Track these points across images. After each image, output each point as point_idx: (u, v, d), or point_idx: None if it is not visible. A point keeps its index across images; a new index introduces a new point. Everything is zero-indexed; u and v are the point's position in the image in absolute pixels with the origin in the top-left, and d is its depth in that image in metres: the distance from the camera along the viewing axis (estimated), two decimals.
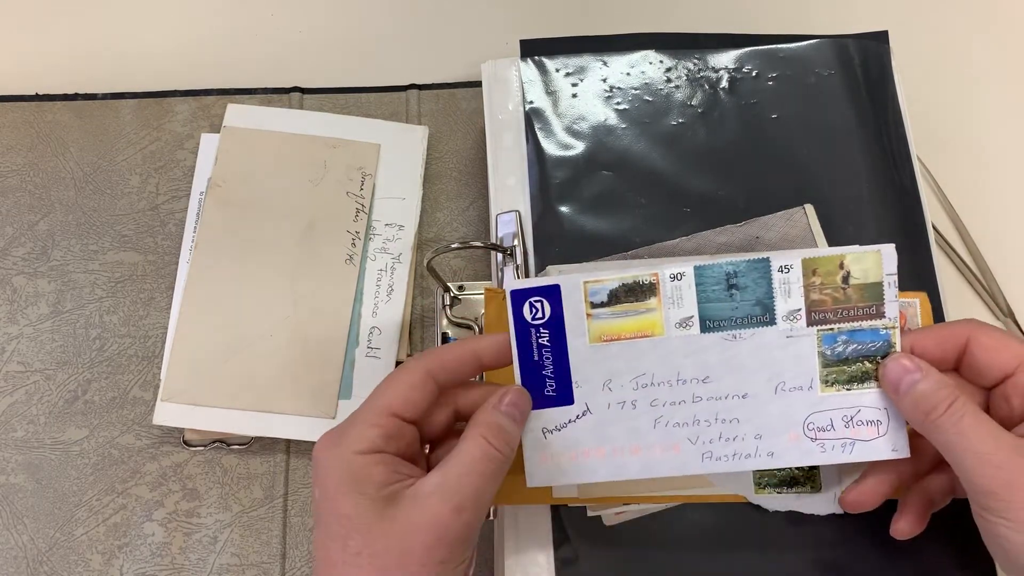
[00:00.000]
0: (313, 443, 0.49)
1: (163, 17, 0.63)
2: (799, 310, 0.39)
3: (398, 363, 0.51)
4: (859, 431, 0.39)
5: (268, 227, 0.53)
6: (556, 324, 0.39)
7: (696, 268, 0.39)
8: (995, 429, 0.36)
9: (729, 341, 0.39)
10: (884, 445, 0.40)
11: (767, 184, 0.51)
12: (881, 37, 0.55)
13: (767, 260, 0.39)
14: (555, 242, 0.50)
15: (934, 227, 0.52)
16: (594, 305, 0.39)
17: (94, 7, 0.63)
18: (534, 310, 0.39)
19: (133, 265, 0.55)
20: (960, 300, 0.55)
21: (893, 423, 0.39)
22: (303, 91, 0.59)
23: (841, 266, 0.39)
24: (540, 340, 0.40)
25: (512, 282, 0.40)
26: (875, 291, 0.39)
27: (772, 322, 0.39)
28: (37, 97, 0.58)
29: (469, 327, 0.51)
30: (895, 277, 0.39)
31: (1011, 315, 0.55)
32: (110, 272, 0.54)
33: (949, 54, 0.62)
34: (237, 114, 0.56)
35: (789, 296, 0.39)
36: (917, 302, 0.46)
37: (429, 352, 0.39)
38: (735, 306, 0.39)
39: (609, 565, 0.44)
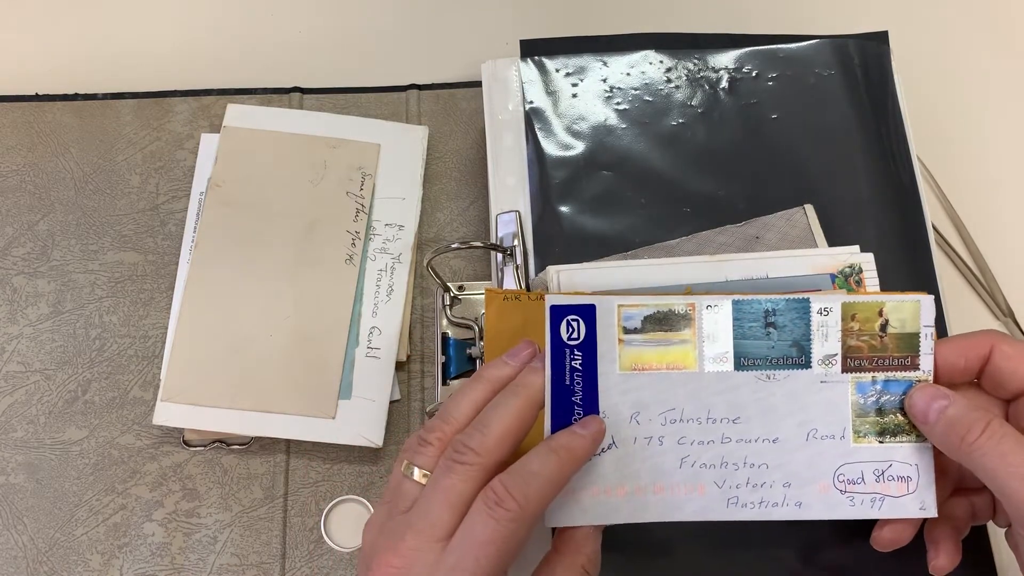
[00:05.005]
0: (313, 443, 0.50)
1: (163, 17, 0.63)
2: (835, 355, 0.39)
3: (398, 363, 0.51)
4: (889, 486, 0.39)
5: (268, 227, 0.53)
6: (589, 346, 0.38)
7: (735, 303, 0.39)
8: None
9: (763, 381, 0.39)
10: (912, 503, 0.39)
11: (767, 184, 0.51)
12: (881, 37, 0.55)
13: (807, 301, 0.39)
14: (555, 242, 0.50)
15: (934, 227, 0.52)
16: (627, 331, 0.38)
17: (94, 7, 0.63)
18: (570, 329, 0.38)
19: (133, 265, 0.55)
20: (960, 300, 0.55)
21: (923, 480, 0.39)
22: (303, 91, 0.59)
23: (880, 313, 0.39)
24: (573, 363, 0.38)
25: (552, 297, 0.38)
26: (911, 342, 0.39)
27: (807, 365, 0.39)
28: (37, 97, 0.58)
29: (469, 327, 0.51)
30: (932, 329, 0.39)
31: (1011, 315, 0.55)
32: (110, 272, 0.54)
33: (949, 54, 0.62)
34: (237, 114, 0.56)
35: (826, 340, 0.39)
36: None
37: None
38: (771, 345, 0.39)
39: (609, 565, 0.44)
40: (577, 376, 0.38)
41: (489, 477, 0.35)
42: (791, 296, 0.39)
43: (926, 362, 0.39)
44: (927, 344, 0.39)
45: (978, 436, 0.36)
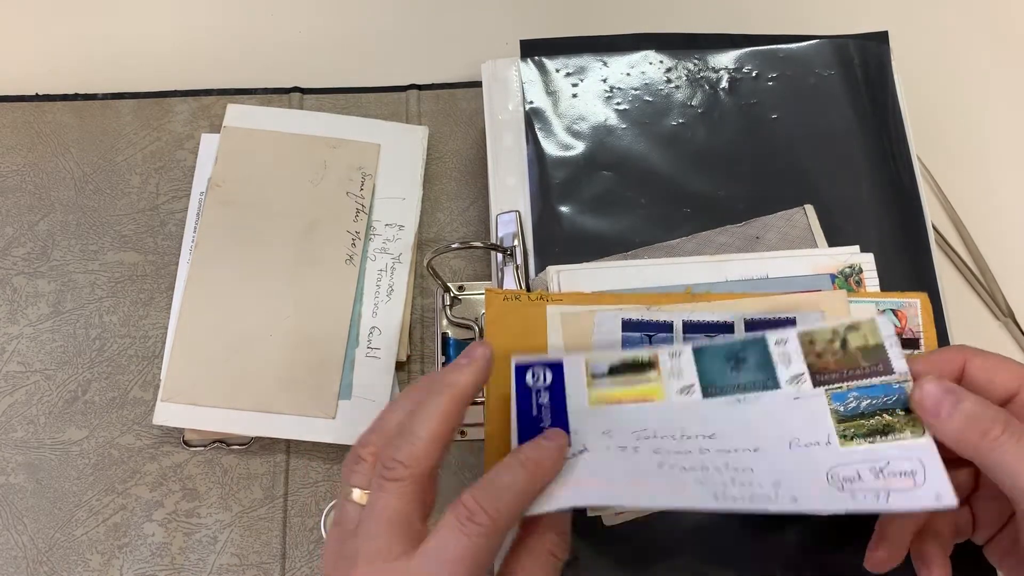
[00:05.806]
0: (313, 443, 0.50)
1: (163, 17, 0.63)
2: (802, 374, 0.38)
3: (398, 363, 0.51)
4: (892, 482, 0.36)
5: (268, 227, 0.53)
6: (557, 389, 0.39)
7: (695, 351, 0.39)
8: None
9: (733, 405, 0.38)
10: (927, 493, 0.36)
11: (767, 184, 0.51)
12: (881, 37, 0.55)
13: (763, 338, 0.39)
14: (555, 242, 0.50)
15: (934, 227, 0.52)
16: (595, 376, 0.39)
17: (94, 7, 0.63)
18: (536, 377, 0.39)
19: (133, 265, 0.55)
20: (960, 300, 0.55)
21: (931, 471, 0.36)
22: (303, 91, 0.59)
23: (838, 336, 0.39)
24: (539, 400, 0.39)
25: (518, 357, 0.39)
26: (878, 352, 0.38)
27: (776, 386, 0.38)
28: (37, 97, 0.58)
29: (469, 327, 0.51)
30: (896, 337, 0.38)
31: (1011, 315, 0.55)
32: (110, 272, 0.54)
33: (949, 54, 0.62)
34: (237, 114, 0.56)
35: (790, 364, 0.38)
36: (917, 303, 0.46)
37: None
38: (737, 375, 0.39)
39: (609, 565, 0.44)
40: (544, 410, 0.38)
41: (423, 485, 0.34)
42: (746, 338, 0.39)
43: (899, 365, 0.38)
44: (895, 351, 0.38)
45: (1000, 433, 0.35)
